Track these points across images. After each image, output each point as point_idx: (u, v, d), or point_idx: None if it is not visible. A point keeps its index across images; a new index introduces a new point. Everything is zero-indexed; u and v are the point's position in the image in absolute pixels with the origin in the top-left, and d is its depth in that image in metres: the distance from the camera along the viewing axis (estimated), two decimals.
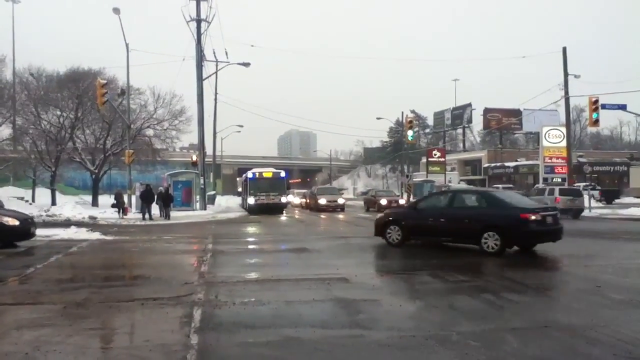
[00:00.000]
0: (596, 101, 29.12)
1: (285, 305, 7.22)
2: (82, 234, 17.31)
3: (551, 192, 29.35)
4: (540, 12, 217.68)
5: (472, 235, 12.87)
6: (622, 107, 31.64)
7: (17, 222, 13.56)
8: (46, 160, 36.03)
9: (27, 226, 13.94)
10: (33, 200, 38.77)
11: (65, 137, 35.89)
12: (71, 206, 28.87)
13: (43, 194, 39.60)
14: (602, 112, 29.74)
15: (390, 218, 14.95)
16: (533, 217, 12.32)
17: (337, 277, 9.25)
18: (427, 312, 6.93)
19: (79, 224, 20.95)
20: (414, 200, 16.14)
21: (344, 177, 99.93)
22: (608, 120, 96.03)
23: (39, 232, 15.23)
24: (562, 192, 29.14)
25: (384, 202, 34.62)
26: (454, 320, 6.43)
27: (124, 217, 26.76)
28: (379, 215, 16.14)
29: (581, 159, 55.46)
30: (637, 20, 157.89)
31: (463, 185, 48.85)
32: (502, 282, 9.00)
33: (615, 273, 9.93)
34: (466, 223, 13.09)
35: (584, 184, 45.69)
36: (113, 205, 27.70)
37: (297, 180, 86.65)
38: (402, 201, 36.09)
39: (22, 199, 36.74)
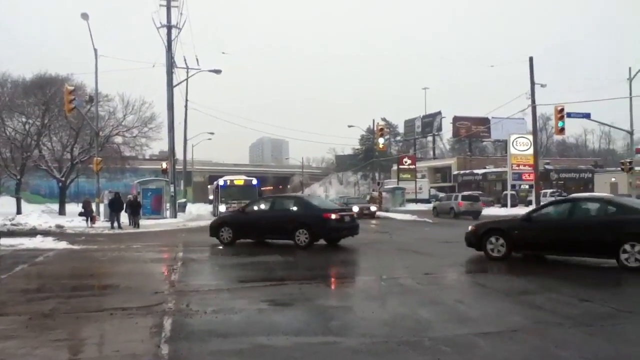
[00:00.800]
0: (562, 110, 29.86)
1: (257, 313, 7.17)
2: (49, 243, 16.93)
3: (456, 198, 35.99)
4: (508, 22, 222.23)
5: (288, 233, 15.54)
6: (587, 116, 32.53)
7: None
8: (11, 168, 35.23)
9: None
10: None
11: (31, 144, 35.18)
12: (37, 215, 28.23)
13: (8, 203, 38.63)
14: (567, 120, 30.53)
15: (223, 221, 17.66)
16: (333, 217, 15.47)
17: (310, 284, 9.24)
18: (401, 319, 6.98)
19: (46, 233, 20.49)
20: (243, 205, 19.60)
21: (316, 184, 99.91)
22: (573, 129, 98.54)
23: (4, 241, 14.90)
24: (464, 198, 35.60)
25: (355, 209, 34.73)
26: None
27: (92, 225, 26.29)
28: (214, 218, 19.04)
29: (548, 166, 56.72)
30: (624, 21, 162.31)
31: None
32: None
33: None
34: (283, 223, 15.74)
35: (551, 190, 46.73)
36: (81, 214, 27.20)
37: (269, 188, 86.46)
38: (373, 208, 36.28)
39: None
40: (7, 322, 6.83)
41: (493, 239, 12.53)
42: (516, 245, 12.47)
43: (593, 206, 12.41)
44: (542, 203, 34.88)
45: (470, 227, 13.44)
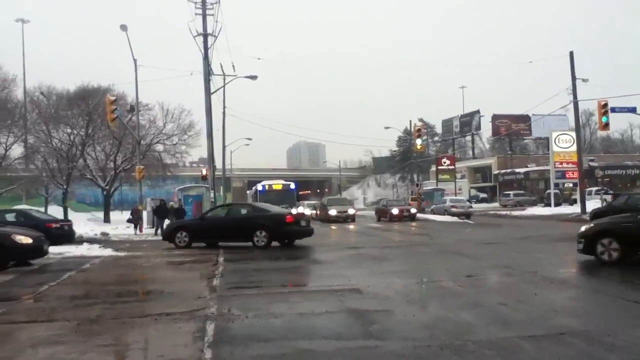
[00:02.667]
0: (605, 105, 29.00)
1: (298, 317, 7.19)
2: (95, 250, 17.37)
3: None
4: (545, 16, 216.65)
5: None
6: (632, 110, 31.50)
7: (30, 240, 13.60)
8: (58, 178, 36.30)
9: (40, 244, 13.99)
10: None
11: (76, 154, 36.19)
12: (83, 223, 29.02)
13: (55, 212, 39.72)
14: (612, 115, 29.61)
15: None
16: (53, 225, 19.42)
17: (350, 288, 9.22)
18: (442, 322, 6.88)
19: (92, 241, 21.04)
20: None
21: (354, 187, 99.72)
22: (618, 124, 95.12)
23: (52, 249, 15.30)
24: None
25: (395, 211, 34.56)
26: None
27: (139, 232, 26.91)
28: None
29: (592, 163, 55.08)
30: None
31: None
32: None
33: None
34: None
35: (596, 188, 45.37)
36: (129, 220, 27.87)
37: (307, 192, 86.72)
38: (413, 210, 35.97)
39: None
40: (56, 327, 7.04)
41: (179, 234, 17.71)
42: (195, 237, 17.68)
43: (240, 208, 19.74)
44: (587, 202, 34.19)
45: (167, 226, 19.35)
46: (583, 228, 11.80)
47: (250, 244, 16.85)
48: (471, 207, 38.81)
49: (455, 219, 33.60)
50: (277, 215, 17.80)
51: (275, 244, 17.27)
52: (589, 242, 11.21)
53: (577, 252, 11.59)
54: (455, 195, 56.92)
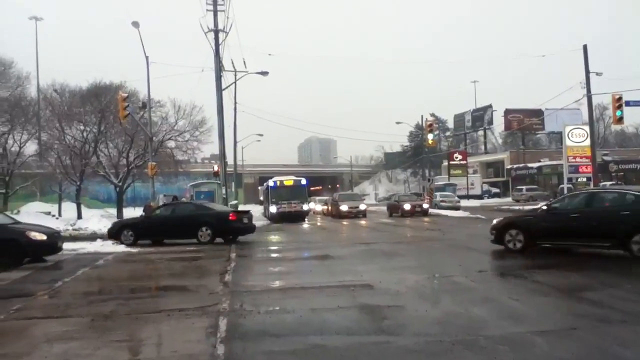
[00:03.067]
0: (619, 98, 28.63)
1: (310, 312, 7.21)
2: (108, 246, 17.52)
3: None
4: (558, 10, 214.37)
5: None
6: None
7: (44, 237, 13.75)
8: (71, 175, 36.58)
9: (54, 240, 14.14)
10: (59, 215, 39.37)
11: (89, 151, 36.44)
12: (97, 219, 29.24)
13: (69, 208, 40.21)
14: (626, 109, 29.23)
15: None
16: None
17: (361, 284, 9.22)
18: (454, 317, 6.87)
19: (105, 237, 21.17)
20: None
21: (365, 182, 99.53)
22: (633, 117, 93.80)
23: (66, 245, 15.44)
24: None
25: (407, 206, 34.45)
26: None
27: None
28: None
29: (606, 158, 54.52)
30: None
31: None
32: None
33: None
34: None
35: (610, 182, 44.94)
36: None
37: (318, 188, 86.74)
38: (425, 205, 35.82)
39: (48, 213, 37.38)
40: (71, 323, 7.12)
41: (125, 232, 18.48)
42: (140, 235, 18.35)
43: (185, 207, 20.77)
44: None
45: (112, 224, 20.49)
46: (495, 221, 13.31)
47: (194, 240, 17.73)
48: (459, 201, 42.52)
49: (467, 213, 33.45)
50: (220, 213, 18.87)
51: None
52: (499, 234, 12.67)
53: (490, 242, 13.02)
54: (468, 191, 57.16)
